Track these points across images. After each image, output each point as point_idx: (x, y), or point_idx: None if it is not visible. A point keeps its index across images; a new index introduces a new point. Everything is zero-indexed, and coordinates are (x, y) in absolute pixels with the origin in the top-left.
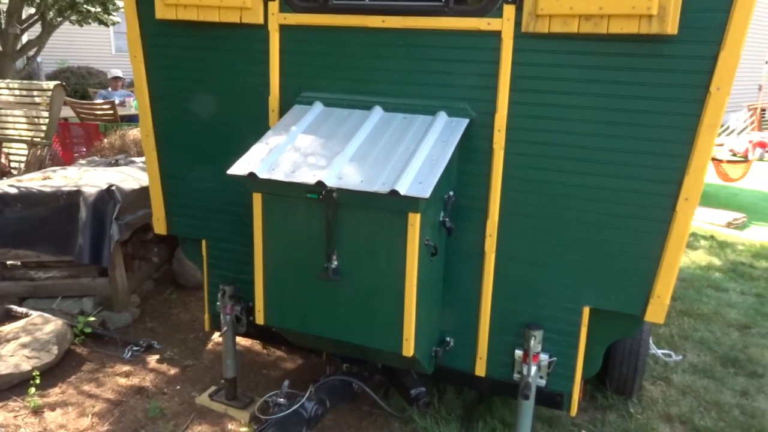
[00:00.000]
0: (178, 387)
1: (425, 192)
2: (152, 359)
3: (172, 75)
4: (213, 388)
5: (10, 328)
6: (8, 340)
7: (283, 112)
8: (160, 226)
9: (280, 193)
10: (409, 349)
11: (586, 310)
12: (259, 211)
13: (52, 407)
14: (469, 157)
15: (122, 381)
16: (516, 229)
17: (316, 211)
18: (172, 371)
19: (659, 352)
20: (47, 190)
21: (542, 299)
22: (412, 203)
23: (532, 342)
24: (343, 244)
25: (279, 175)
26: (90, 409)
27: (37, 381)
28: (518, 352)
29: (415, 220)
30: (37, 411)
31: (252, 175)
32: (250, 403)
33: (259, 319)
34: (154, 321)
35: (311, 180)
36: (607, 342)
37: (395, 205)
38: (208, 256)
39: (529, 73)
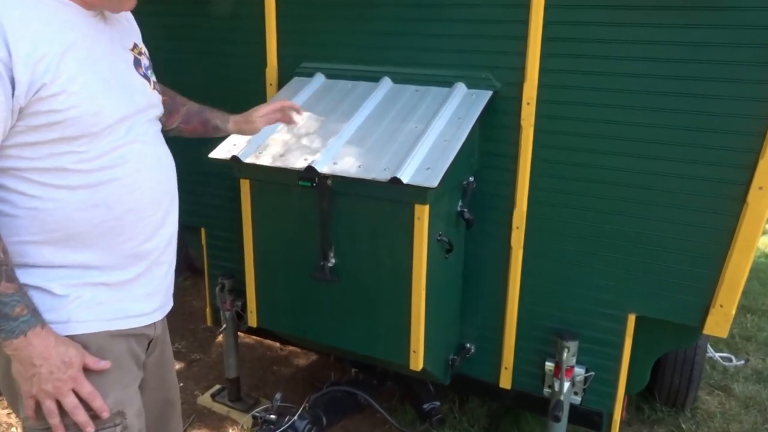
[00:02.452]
0: (182, 384)
1: (433, 180)
2: None
3: (156, 45)
4: (217, 386)
5: None
6: None
7: (282, 85)
8: None
9: (269, 179)
10: (417, 362)
11: (632, 318)
12: (248, 200)
13: None
14: (493, 136)
15: None
16: (548, 220)
17: (310, 200)
18: (178, 366)
19: (717, 355)
20: None
21: (578, 304)
22: (418, 193)
23: (565, 354)
24: (341, 240)
25: (266, 159)
26: None
27: None
28: (549, 365)
29: (422, 213)
30: None
31: (235, 159)
32: (254, 404)
33: (252, 320)
34: None
35: (301, 165)
36: (656, 355)
37: (399, 195)
38: (207, 245)
39: (565, 35)
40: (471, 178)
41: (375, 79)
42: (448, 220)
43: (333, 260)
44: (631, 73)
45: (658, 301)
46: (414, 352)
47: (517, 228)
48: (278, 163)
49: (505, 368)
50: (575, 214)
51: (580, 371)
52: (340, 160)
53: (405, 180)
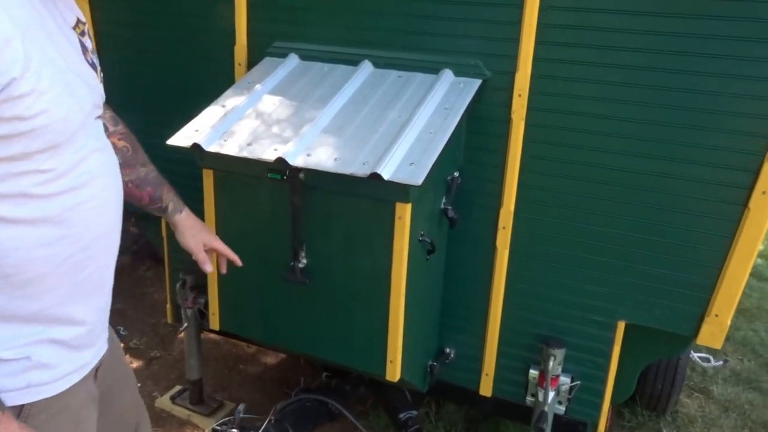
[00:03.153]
0: (139, 384)
1: (417, 177)
2: None
3: (118, 20)
4: (177, 388)
5: None
6: None
7: (252, 65)
8: None
9: (234, 170)
10: (394, 373)
11: (621, 326)
12: (211, 192)
13: None
14: (481, 129)
15: None
16: (536, 221)
17: (280, 195)
18: (135, 364)
19: (696, 356)
20: None
21: (566, 309)
22: (400, 190)
23: (551, 362)
24: (314, 239)
25: (232, 148)
26: None
27: None
28: (533, 372)
29: (404, 212)
30: None
31: (197, 147)
32: (218, 408)
33: (214, 323)
34: (125, 302)
35: (271, 156)
36: (644, 364)
37: (379, 192)
38: (168, 237)
39: (562, 21)
40: (456, 174)
41: (354, 62)
42: (431, 219)
43: (304, 260)
44: (633, 65)
45: (650, 309)
46: (391, 362)
47: (504, 228)
48: (245, 153)
49: (486, 375)
50: (565, 214)
51: (565, 380)
52: (315, 151)
53: (386, 176)
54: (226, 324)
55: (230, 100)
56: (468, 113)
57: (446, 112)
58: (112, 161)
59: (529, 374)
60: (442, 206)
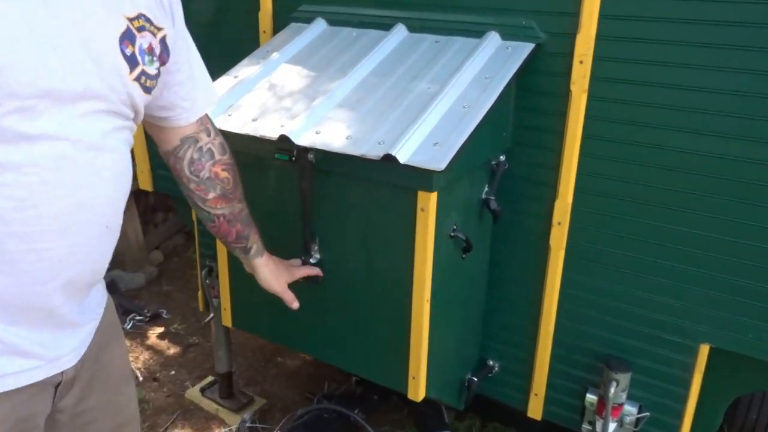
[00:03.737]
0: (173, 372)
1: (440, 160)
2: (155, 332)
3: None
4: (210, 379)
5: None
6: None
7: (276, 33)
8: (144, 180)
9: (240, 150)
10: (416, 390)
11: (704, 350)
12: None
13: None
14: (533, 104)
15: None
16: (599, 216)
17: (289, 179)
18: (172, 350)
19: None
20: None
21: (634, 325)
22: (421, 177)
23: (613, 388)
24: (327, 232)
25: (234, 124)
26: None
27: None
28: (591, 397)
29: (427, 203)
30: None
31: None
32: (247, 404)
33: (225, 319)
34: (172, 284)
35: (274, 133)
36: (733, 396)
37: (396, 178)
38: (197, 222)
39: None
40: (501, 158)
41: (387, 26)
42: (468, 211)
43: (317, 256)
44: (726, 20)
45: (742, 331)
46: (413, 378)
47: (559, 224)
48: (248, 130)
49: (535, 395)
50: (636, 209)
51: (631, 410)
52: (325, 128)
53: (402, 159)
54: (238, 321)
55: (243, 71)
56: (518, 85)
57: (487, 82)
58: (91, 164)
59: (586, 399)
60: (484, 196)
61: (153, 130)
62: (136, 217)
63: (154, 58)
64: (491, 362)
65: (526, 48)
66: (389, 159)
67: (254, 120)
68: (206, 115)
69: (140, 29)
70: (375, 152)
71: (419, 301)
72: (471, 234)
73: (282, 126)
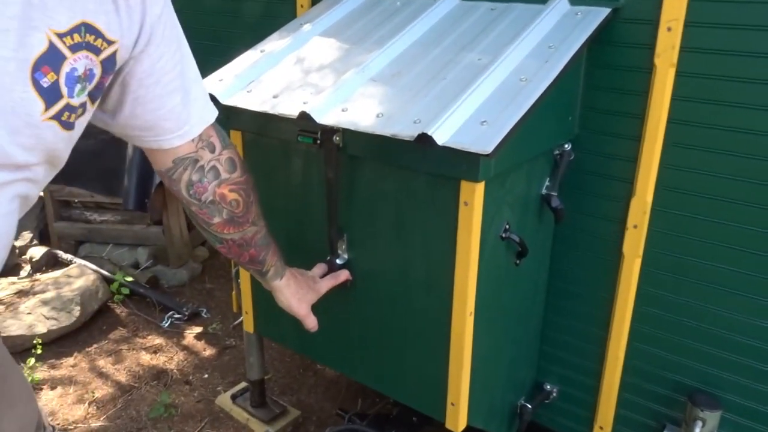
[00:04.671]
0: (206, 375)
1: (488, 142)
2: (192, 332)
3: None
4: (242, 385)
5: (46, 277)
6: (35, 293)
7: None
8: None
9: (263, 132)
10: (456, 419)
11: None
12: None
13: (54, 384)
14: (607, 82)
15: (146, 359)
16: (684, 219)
17: (314, 167)
18: (208, 352)
19: None
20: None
21: (724, 353)
22: (466, 162)
23: (698, 428)
24: (356, 228)
25: (252, 101)
26: (91, 395)
27: (38, 351)
28: None
29: (472, 195)
30: (34, 387)
31: (212, 98)
32: (280, 415)
33: (247, 324)
34: (215, 281)
35: (294, 110)
36: None
37: (435, 164)
38: None
39: None
40: (566, 147)
41: None
42: (524, 209)
43: (345, 256)
44: None
45: None
46: (453, 405)
47: (635, 227)
48: (266, 108)
49: (600, 428)
50: (731, 211)
51: None
52: (353, 105)
53: (440, 139)
54: (261, 327)
55: (271, 45)
56: (588, 59)
57: (550, 52)
58: None
59: None
60: (544, 192)
61: (139, 146)
62: (181, 212)
63: (88, 85)
64: (549, 387)
65: (600, 13)
66: (425, 140)
67: (275, 97)
68: (212, 124)
69: (75, 48)
70: (408, 132)
71: (461, 313)
72: (527, 236)
73: (305, 103)
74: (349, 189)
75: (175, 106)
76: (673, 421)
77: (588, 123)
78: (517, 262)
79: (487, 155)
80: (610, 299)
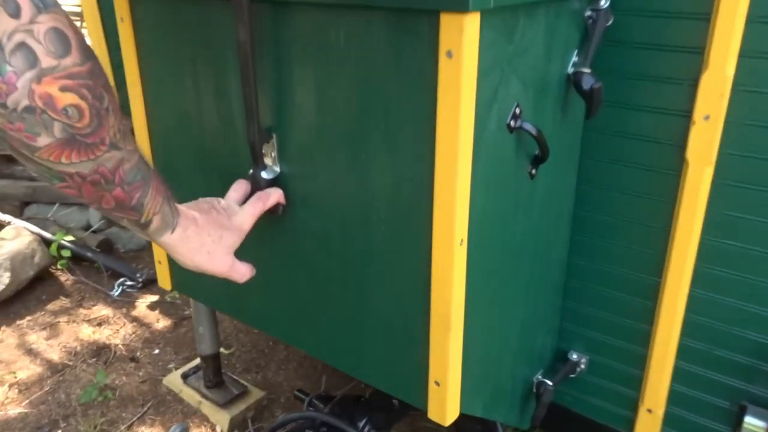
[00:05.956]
0: (157, 351)
1: None
2: (145, 301)
3: None
4: (197, 361)
5: None
6: None
7: None
8: None
9: None
10: (442, 407)
11: None
12: (129, 27)
13: None
14: None
15: (87, 332)
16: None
17: (224, 30)
18: (162, 324)
19: None
20: None
21: None
22: None
23: None
24: (289, 121)
25: None
26: (13, 376)
27: None
28: (755, 423)
29: (459, 39)
30: None
31: None
32: (239, 396)
33: (162, 278)
34: None
35: None
36: None
37: None
38: None
39: None
40: (603, 3)
41: None
42: (542, 90)
43: (276, 168)
44: None
45: None
46: (437, 384)
47: (707, 119)
48: None
49: (648, 410)
50: None
51: None
52: None
53: None
54: (180, 283)
55: None
56: None
57: None
58: None
59: (744, 424)
60: (571, 69)
61: None
62: None
63: None
64: (575, 357)
65: None
66: None
67: None
68: None
69: None
70: None
71: (445, 242)
72: (547, 133)
73: None
74: (273, 60)
75: None
76: (756, 399)
77: None
78: (532, 171)
79: None
80: (665, 229)
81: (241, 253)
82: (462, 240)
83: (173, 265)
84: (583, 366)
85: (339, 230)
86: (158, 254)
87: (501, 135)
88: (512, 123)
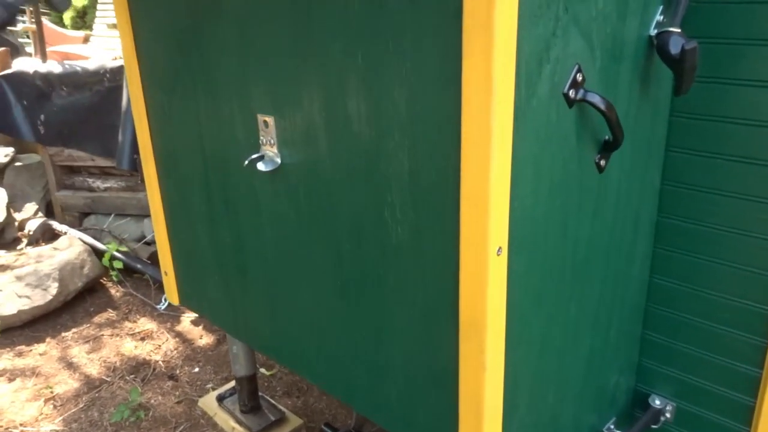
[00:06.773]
0: (197, 369)
1: None
2: (190, 316)
3: None
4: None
5: (36, 251)
6: (14, 268)
7: None
8: None
9: None
10: None
11: None
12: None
13: (13, 376)
14: None
15: (130, 346)
16: None
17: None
18: (204, 340)
19: None
20: (91, 67)
21: None
22: None
23: None
24: (291, 104)
25: None
26: (49, 391)
27: None
28: None
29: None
30: None
31: None
32: (277, 423)
33: (169, 291)
34: None
35: None
36: None
37: None
38: None
39: None
40: None
41: None
42: (613, 53)
43: (278, 159)
44: None
45: None
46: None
47: None
48: None
49: None
50: None
51: None
52: None
53: None
54: (187, 295)
55: None
56: None
57: None
58: None
59: None
60: (654, 30)
61: None
62: None
63: None
64: (658, 402)
65: None
66: None
67: None
68: None
69: None
70: None
71: (476, 248)
72: (621, 111)
73: None
74: (267, 34)
75: None
76: None
77: None
78: (602, 162)
79: None
80: None
81: (249, 272)
82: (500, 248)
83: (180, 276)
84: (668, 415)
85: (350, 227)
86: (164, 264)
87: (556, 107)
88: (572, 93)
